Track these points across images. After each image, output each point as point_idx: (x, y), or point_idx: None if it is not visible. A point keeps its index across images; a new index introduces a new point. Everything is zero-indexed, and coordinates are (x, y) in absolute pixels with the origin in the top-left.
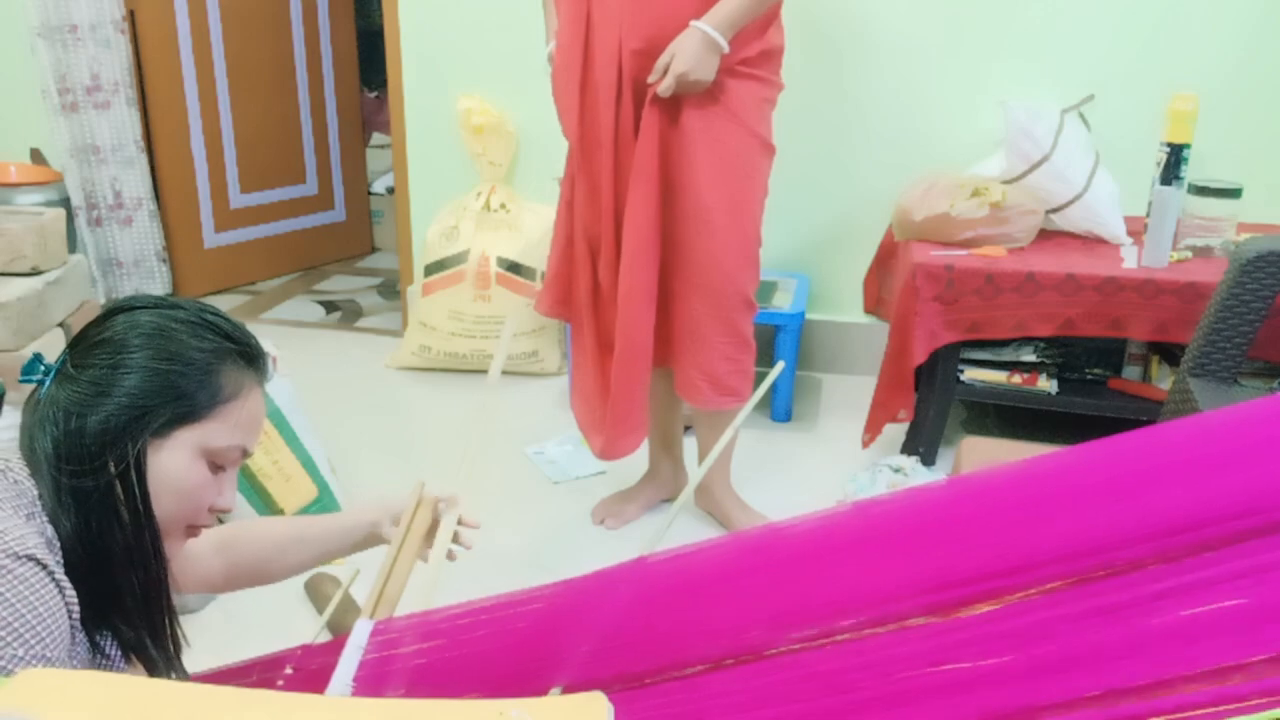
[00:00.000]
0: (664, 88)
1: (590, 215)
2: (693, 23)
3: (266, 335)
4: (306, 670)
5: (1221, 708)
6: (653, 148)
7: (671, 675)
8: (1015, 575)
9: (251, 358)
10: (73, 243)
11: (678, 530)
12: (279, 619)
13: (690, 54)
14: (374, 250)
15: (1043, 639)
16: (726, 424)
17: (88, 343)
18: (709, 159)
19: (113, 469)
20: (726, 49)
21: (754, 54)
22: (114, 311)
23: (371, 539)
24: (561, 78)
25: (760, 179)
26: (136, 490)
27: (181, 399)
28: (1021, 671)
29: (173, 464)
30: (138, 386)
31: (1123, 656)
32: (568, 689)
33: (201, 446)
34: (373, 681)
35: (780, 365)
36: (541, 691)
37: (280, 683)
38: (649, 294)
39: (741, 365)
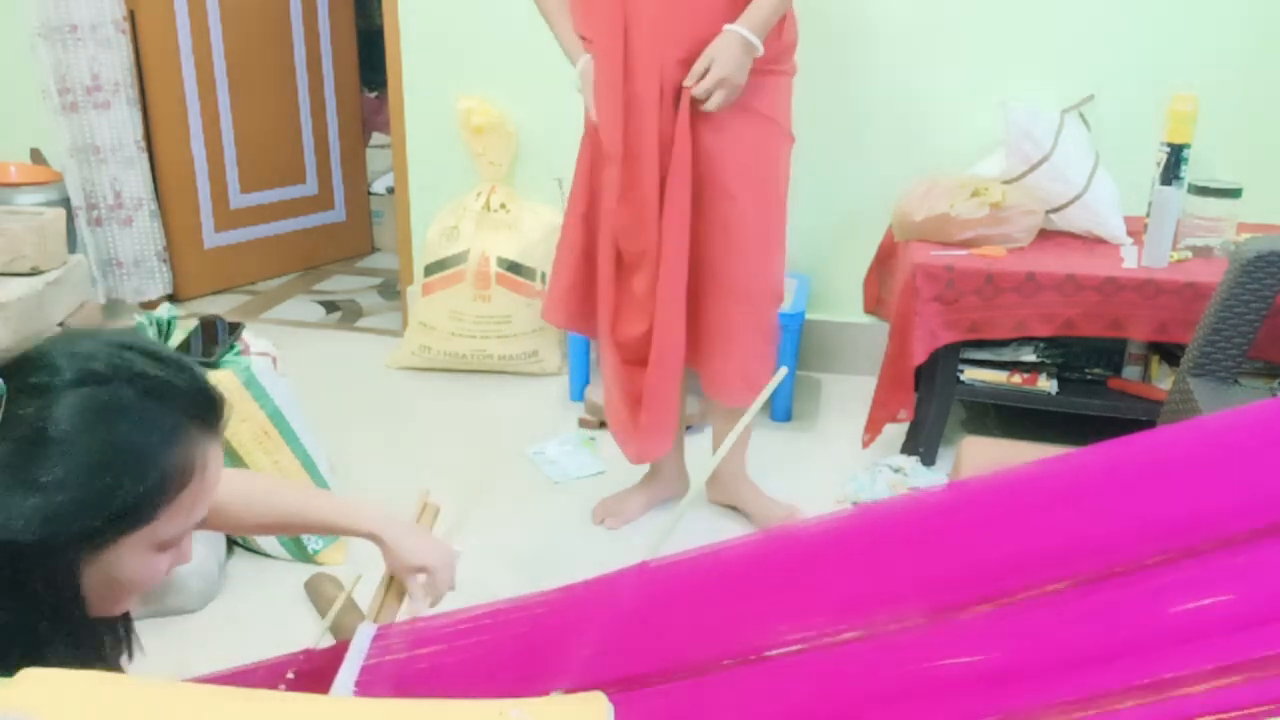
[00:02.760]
0: (703, 90)
1: (634, 227)
2: (728, 27)
3: (266, 335)
4: (309, 675)
5: (1222, 714)
6: (688, 153)
7: (674, 677)
8: (1016, 578)
9: (209, 416)
10: (73, 243)
11: (679, 530)
12: (279, 618)
13: (730, 59)
14: (374, 250)
15: (1045, 638)
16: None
17: (23, 379)
18: (740, 159)
19: (35, 586)
20: (761, 52)
21: (776, 50)
22: (61, 345)
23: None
24: (604, 93)
25: (786, 171)
26: (66, 595)
27: (121, 516)
28: (1023, 671)
29: (116, 568)
30: (61, 499)
31: (1122, 656)
32: (569, 691)
33: (152, 543)
34: (374, 686)
35: (783, 371)
36: (543, 693)
37: (282, 687)
38: (683, 299)
39: (771, 359)
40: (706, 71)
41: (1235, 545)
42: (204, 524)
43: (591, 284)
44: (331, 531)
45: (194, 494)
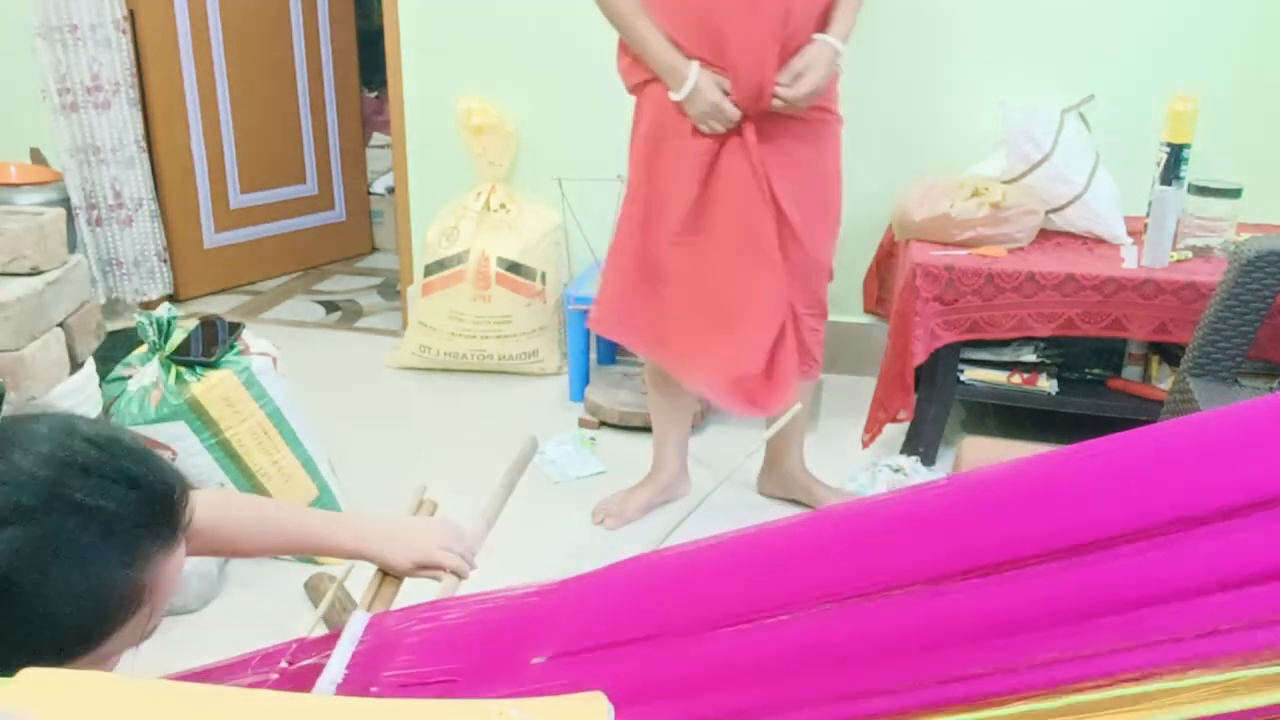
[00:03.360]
0: (793, 96)
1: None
2: (821, 38)
3: (266, 335)
4: (302, 663)
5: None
6: (759, 153)
7: (668, 637)
8: (1007, 556)
9: (166, 527)
10: (73, 243)
11: (683, 530)
12: (279, 618)
13: (823, 72)
14: (374, 250)
15: (1025, 603)
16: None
17: None
18: (815, 159)
19: None
20: (844, 63)
21: None
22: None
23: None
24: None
25: (840, 154)
26: None
27: (60, 655)
28: (1002, 628)
29: None
30: None
31: (1105, 617)
32: (552, 658)
33: (98, 659)
34: (366, 665)
35: (797, 406)
36: (525, 661)
37: (275, 676)
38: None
39: (820, 334)
40: (796, 77)
41: (1227, 522)
42: (209, 552)
43: (643, 293)
44: (323, 554)
45: (145, 614)
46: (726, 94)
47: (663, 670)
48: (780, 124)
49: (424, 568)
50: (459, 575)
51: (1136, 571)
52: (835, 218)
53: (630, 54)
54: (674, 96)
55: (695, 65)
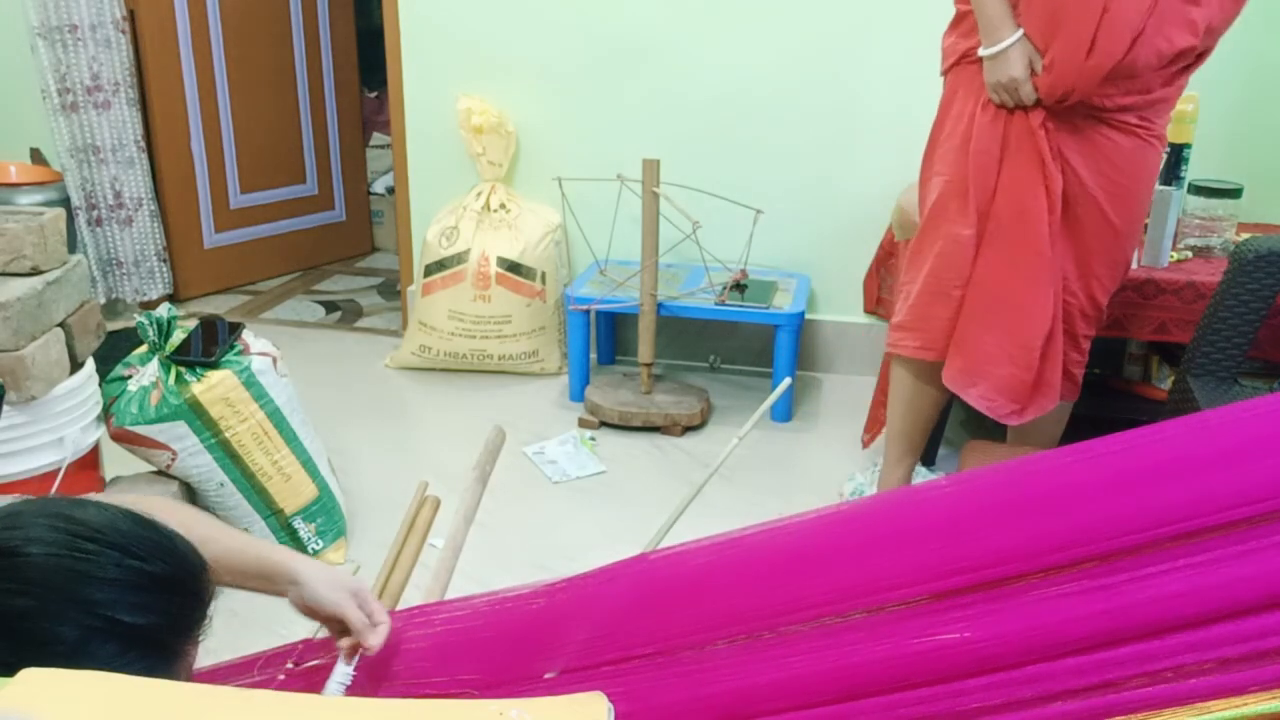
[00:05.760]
0: None
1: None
2: None
3: (266, 335)
4: (308, 664)
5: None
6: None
7: (673, 654)
8: (1014, 564)
9: (200, 612)
10: (73, 243)
11: (684, 530)
12: (278, 618)
13: None
14: (374, 250)
15: (1032, 614)
16: None
17: None
18: (1122, 179)
19: None
20: None
21: None
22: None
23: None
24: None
25: None
26: None
27: None
28: (1013, 649)
29: None
30: None
31: (1117, 640)
32: (563, 672)
33: None
34: (373, 668)
35: (786, 382)
36: (537, 676)
37: (281, 677)
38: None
39: (1080, 362)
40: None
41: (1230, 532)
42: None
43: (946, 302)
44: (259, 571)
45: None
46: (1033, 73)
47: (672, 687)
48: (1099, 129)
49: (333, 614)
50: (364, 644)
51: (1149, 605)
52: (1126, 258)
53: (969, 20)
54: (982, 52)
55: (1019, 31)
